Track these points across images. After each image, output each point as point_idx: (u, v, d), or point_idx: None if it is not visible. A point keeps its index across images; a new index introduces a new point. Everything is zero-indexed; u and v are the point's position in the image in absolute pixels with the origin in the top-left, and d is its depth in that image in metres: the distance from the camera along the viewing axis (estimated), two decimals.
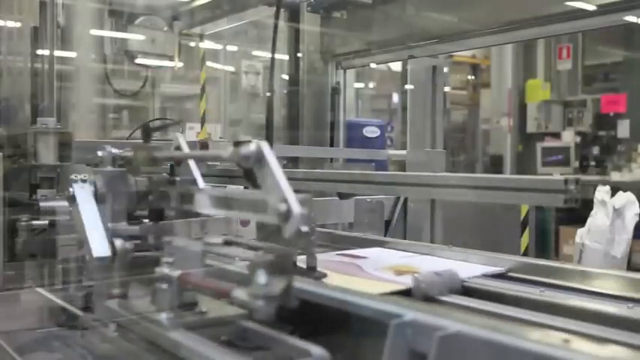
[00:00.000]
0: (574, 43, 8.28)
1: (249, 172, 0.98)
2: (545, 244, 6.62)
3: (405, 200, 3.25)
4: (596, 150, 8.26)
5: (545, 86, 8.61)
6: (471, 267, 1.63)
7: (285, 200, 0.91)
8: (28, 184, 1.95)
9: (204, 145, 2.71)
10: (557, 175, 5.96)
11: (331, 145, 4.31)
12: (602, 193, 4.39)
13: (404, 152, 3.96)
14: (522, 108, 8.65)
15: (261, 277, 0.91)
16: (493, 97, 9.03)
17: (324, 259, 1.69)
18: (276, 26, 2.90)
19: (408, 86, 3.98)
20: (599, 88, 8.52)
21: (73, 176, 1.36)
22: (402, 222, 3.27)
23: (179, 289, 1.10)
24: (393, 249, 1.93)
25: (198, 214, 1.28)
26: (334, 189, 2.17)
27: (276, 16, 3.02)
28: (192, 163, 1.36)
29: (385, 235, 2.62)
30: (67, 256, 1.51)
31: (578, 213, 4.90)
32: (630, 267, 4.55)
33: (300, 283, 1.04)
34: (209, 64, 6.14)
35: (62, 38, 2.86)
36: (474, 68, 9.68)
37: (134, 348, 1.14)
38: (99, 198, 1.33)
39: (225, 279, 1.02)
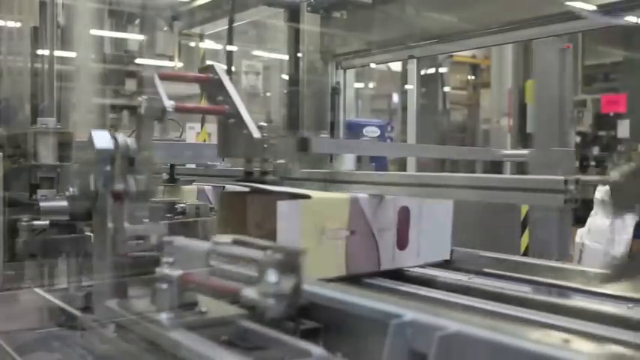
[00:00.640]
0: (574, 43, 8.28)
1: (249, 174, 0.98)
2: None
3: None
4: (596, 150, 8.26)
5: None
6: None
7: None
8: (28, 184, 1.94)
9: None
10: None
11: None
12: (602, 193, 4.39)
13: (524, 152, 3.52)
14: (522, 108, 8.64)
15: (272, 276, 0.91)
16: (493, 97, 9.04)
17: None
18: None
19: (408, 86, 3.98)
20: (599, 88, 8.53)
21: None
22: None
23: (179, 289, 1.10)
24: None
25: None
26: (334, 189, 2.17)
27: None
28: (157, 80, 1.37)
29: None
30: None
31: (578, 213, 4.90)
32: None
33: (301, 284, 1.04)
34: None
35: (62, 38, 2.85)
36: (474, 68, 9.69)
37: (134, 348, 1.14)
38: None
39: (231, 278, 1.02)
